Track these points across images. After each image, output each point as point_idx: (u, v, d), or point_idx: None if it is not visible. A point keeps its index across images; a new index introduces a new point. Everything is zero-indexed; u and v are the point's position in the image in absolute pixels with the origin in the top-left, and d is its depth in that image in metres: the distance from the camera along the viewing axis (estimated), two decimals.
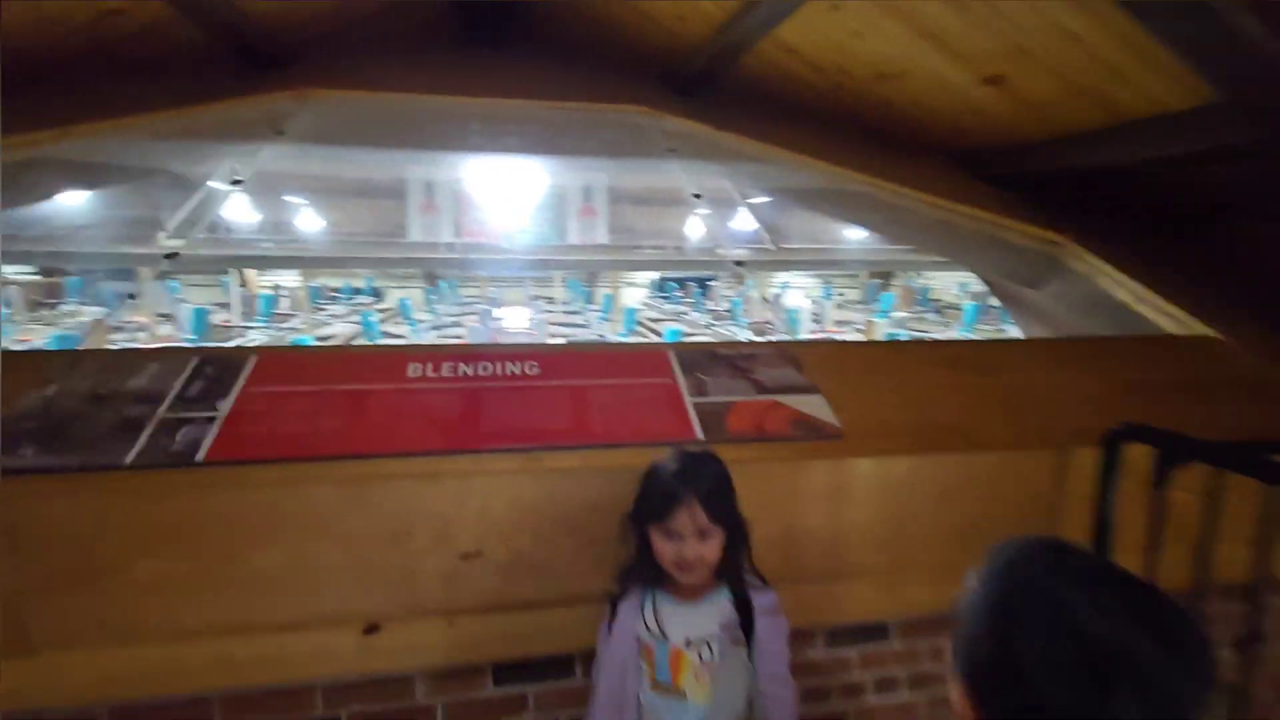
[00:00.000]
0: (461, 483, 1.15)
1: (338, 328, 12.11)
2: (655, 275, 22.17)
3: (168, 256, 3.07)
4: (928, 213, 2.82)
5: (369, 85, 3.07)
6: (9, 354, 1.32)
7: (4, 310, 9.50)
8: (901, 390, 1.49)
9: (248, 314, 11.06)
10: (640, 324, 12.18)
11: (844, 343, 5.20)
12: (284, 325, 10.74)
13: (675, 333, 6.31)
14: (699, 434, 1.28)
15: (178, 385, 1.25)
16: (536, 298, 14.79)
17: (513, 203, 14.10)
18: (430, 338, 10.30)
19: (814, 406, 1.39)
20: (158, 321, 11.33)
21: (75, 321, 7.54)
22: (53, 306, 13.74)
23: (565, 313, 14.05)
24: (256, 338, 9.57)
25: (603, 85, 3.20)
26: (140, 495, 1.05)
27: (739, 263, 3.98)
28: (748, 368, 1.49)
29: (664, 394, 1.38)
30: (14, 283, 14.13)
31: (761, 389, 1.43)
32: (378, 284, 18.72)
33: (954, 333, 10.87)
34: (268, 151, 2.67)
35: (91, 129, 2.30)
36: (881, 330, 8.35)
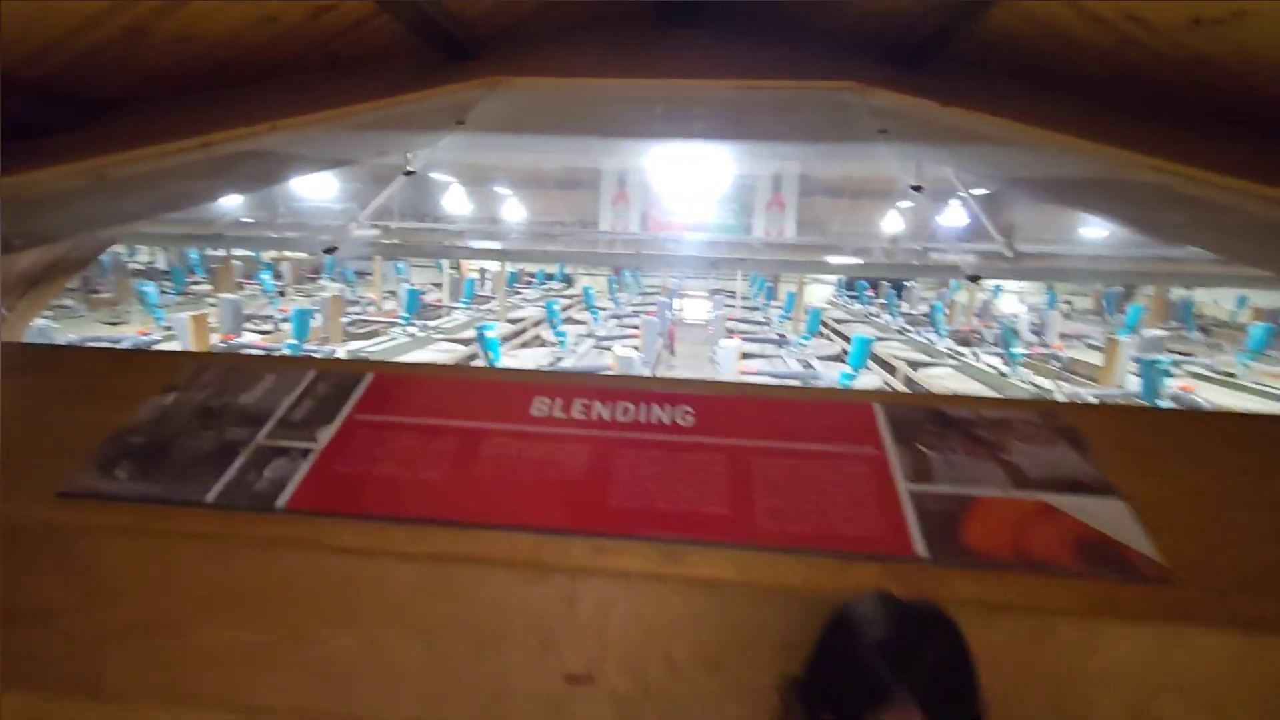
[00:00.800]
0: (574, 580, 0.85)
1: (528, 310, 12.86)
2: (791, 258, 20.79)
3: (327, 251, 3.21)
4: (1262, 212, 2.01)
5: (557, 71, 2.94)
6: (144, 353, 1.27)
7: (274, 282, 11.39)
8: (1271, 500, 0.92)
9: (455, 295, 12.11)
10: (823, 324, 11.35)
11: (1151, 409, 4.03)
12: (482, 307, 11.59)
13: (864, 341, 5.62)
14: (919, 549, 0.86)
15: (286, 404, 1.10)
16: (717, 291, 14.51)
17: (697, 193, 13.90)
18: (610, 326, 10.47)
19: (1113, 518, 0.89)
20: (384, 298, 12.87)
21: (320, 298, 8.69)
22: (314, 280, 16.33)
23: (745, 308, 13.60)
24: (459, 316, 10.41)
25: (805, 61, 2.77)
26: (215, 543, 0.89)
27: (973, 277, 3.29)
28: (995, 441, 1.02)
29: (865, 472, 0.97)
30: (287, 259, 16.99)
31: (1020, 480, 0.95)
32: (569, 270, 19.71)
33: (1231, 360, 8.62)
34: (447, 141, 2.64)
35: (297, 122, 2.43)
36: (1128, 351, 6.80)
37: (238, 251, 15.71)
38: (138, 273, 13.26)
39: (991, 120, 2.47)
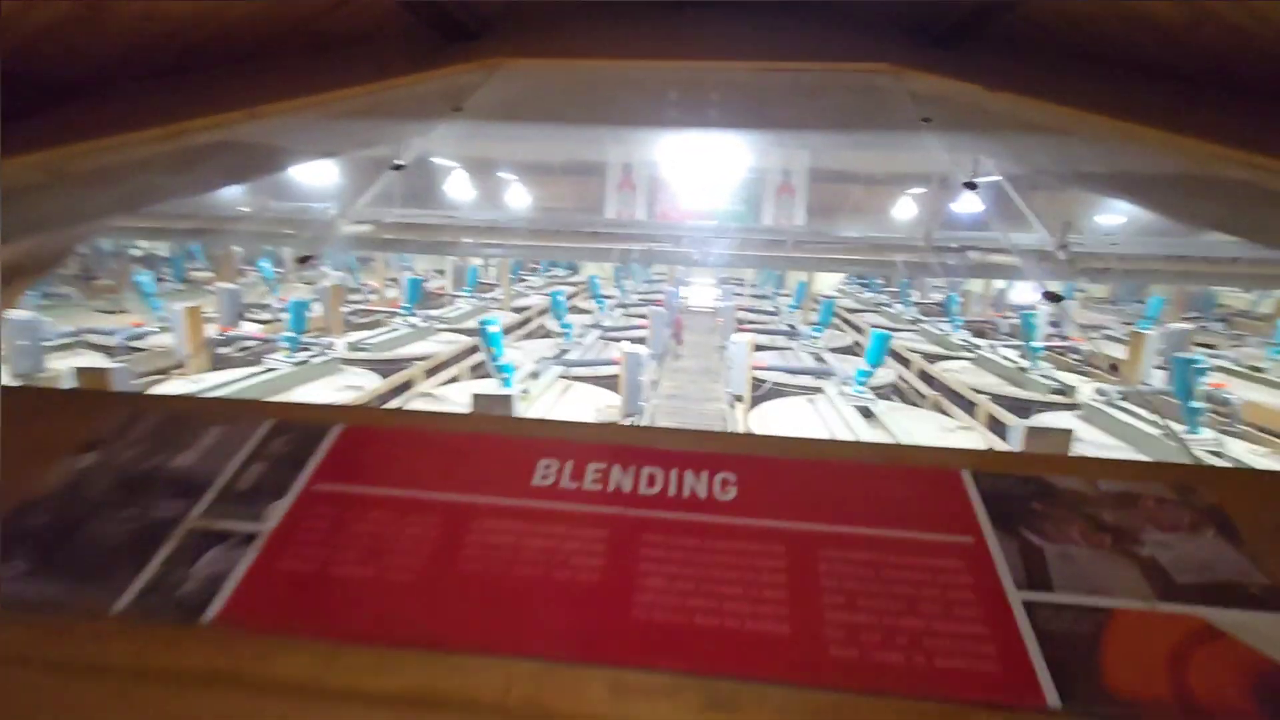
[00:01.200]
0: None
1: (533, 299, 12.64)
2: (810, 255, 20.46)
3: (300, 260, 3.00)
4: None
5: (563, 52, 2.71)
6: (67, 394, 1.05)
7: (275, 270, 11.17)
8: None
9: (458, 283, 11.90)
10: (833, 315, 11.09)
11: None
12: (486, 295, 11.37)
13: (882, 337, 5.38)
14: (1049, 695, 0.65)
15: (232, 468, 0.89)
16: (726, 280, 14.25)
17: (709, 184, 13.59)
18: (617, 316, 10.24)
19: None
20: (387, 285, 12.66)
21: (319, 287, 8.49)
22: (315, 267, 16.13)
23: (754, 296, 13.34)
24: (463, 305, 10.20)
25: (832, 41, 2.52)
26: (119, 673, 0.68)
27: (1053, 295, 3.03)
28: (1122, 525, 0.81)
29: (963, 571, 0.75)
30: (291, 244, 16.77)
31: (1165, 585, 0.74)
32: (574, 258, 19.44)
33: (1258, 353, 8.33)
34: (443, 130, 2.41)
35: (277, 109, 2.21)
36: (1153, 345, 6.54)
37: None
38: (138, 259, 13.09)
39: (1048, 107, 2.21)
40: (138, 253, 14.67)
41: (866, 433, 4.77)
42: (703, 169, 10.88)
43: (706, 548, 0.78)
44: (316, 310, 8.32)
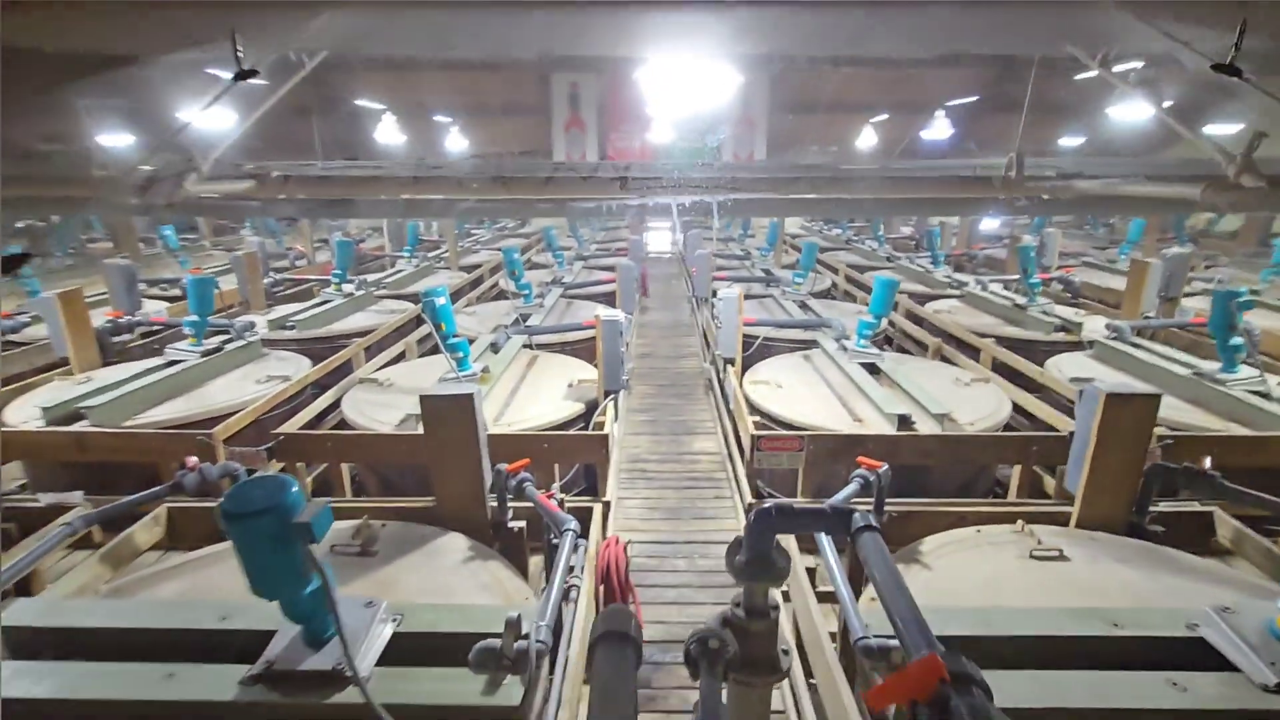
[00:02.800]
0: None
1: (482, 255, 11.63)
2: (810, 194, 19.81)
3: (6, 268, 2.15)
4: None
5: None
6: None
7: (175, 238, 9.83)
8: None
9: (398, 243, 10.77)
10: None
11: None
12: (430, 254, 10.31)
13: (887, 284, 4.79)
14: None
15: None
16: (689, 222, 13.42)
17: (662, 112, 12.57)
18: (578, 270, 9.39)
19: None
20: (316, 248, 11.41)
21: (234, 256, 7.36)
22: (235, 232, 14.56)
23: (722, 240, 12.61)
24: (405, 267, 9.18)
25: None
26: None
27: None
28: None
29: None
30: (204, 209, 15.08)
31: None
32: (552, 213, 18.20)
33: (1250, 278, 8.10)
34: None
35: None
36: (1156, 274, 6.14)
37: None
38: (19, 232, 11.41)
39: None
40: (20, 225, 12.87)
41: (878, 392, 4.21)
42: (659, 100, 9.90)
43: None
44: (231, 284, 7.24)
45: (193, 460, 2.78)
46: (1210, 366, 4.40)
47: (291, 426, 3.94)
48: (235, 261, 7.11)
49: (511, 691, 1.71)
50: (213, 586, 2.31)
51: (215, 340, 5.12)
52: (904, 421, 3.88)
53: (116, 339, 5.49)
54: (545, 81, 15.67)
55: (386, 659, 1.83)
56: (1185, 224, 11.10)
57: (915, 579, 2.42)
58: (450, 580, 2.41)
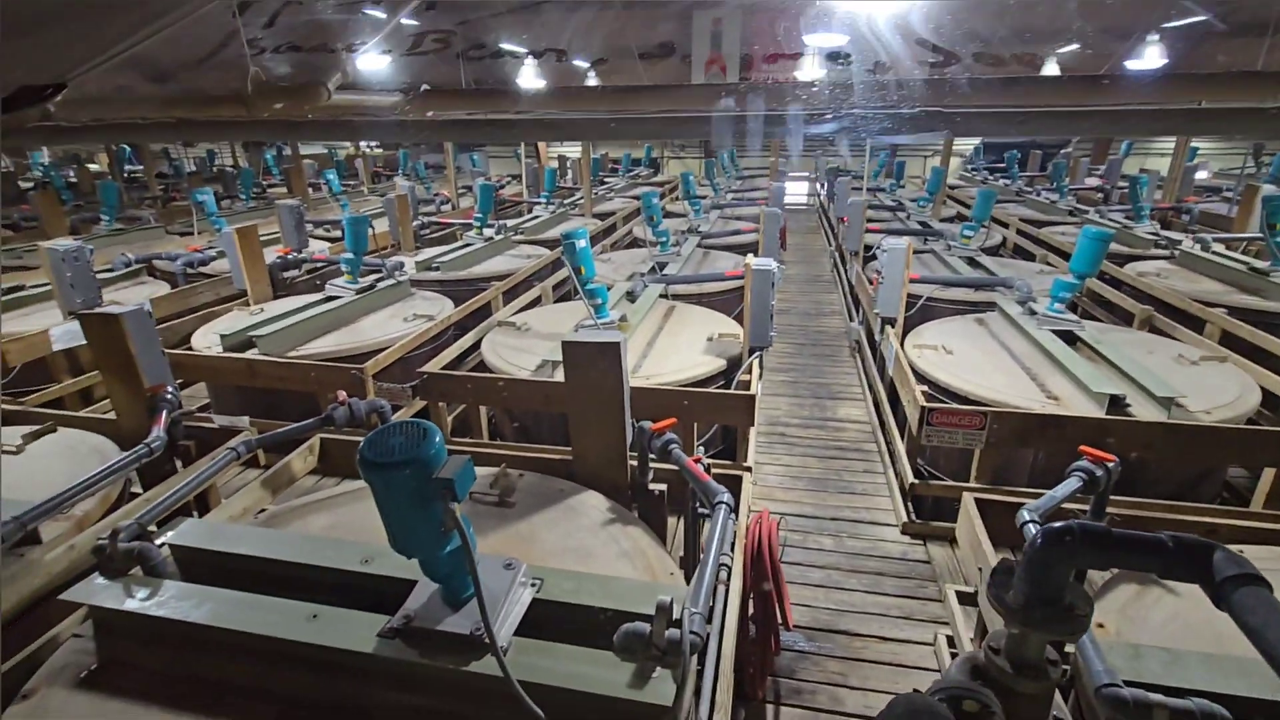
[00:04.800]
0: None
1: (616, 202, 11.45)
2: (978, 139, 17.68)
3: None
4: None
5: None
6: None
7: (339, 182, 10.45)
8: None
9: (535, 188, 10.84)
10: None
11: None
12: (565, 200, 10.27)
13: (1100, 235, 3.99)
14: None
15: None
16: (834, 169, 12.39)
17: (814, 52, 11.56)
18: (714, 220, 8.95)
19: None
20: (460, 194, 11.78)
21: (386, 199, 7.65)
22: (389, 178, 15.43)
23: (871, 190, 11.55)
24: (541, 213, 9.20)
25: None
26: None
27: None
28: None
29: None
30: (362, 154, 16.11)
31: None
32: (656, 154, 17.81)
33: None
34: None
35: None
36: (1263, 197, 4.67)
37: (309, 150, 14.86)
38: (210, 179, 12.75)
39: None
40: (213, 169, 14.39)
41: (1082, 367, 3.52)
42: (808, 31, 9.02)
43: None
44: (383, 225, 7.56)
45: (342, 395, 2.79)
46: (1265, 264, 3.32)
47: (434, 366, 3.96)
48: (387, 204, 7.39)
49: (663, 688, 1.49)
50: (360, 524, 2.28)
51: (369, 278, 5.31)
52: (1116, 403, 3.21)
53: (286, 274, 5.88)
54: (686, 19, 14.93)
55: (525, 628, 1.67)
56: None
57: (1190, 616, 1.91)
58: (589, 542, 2.23)
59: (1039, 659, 0.91)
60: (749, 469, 2.98)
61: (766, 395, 5.47)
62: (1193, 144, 11.14)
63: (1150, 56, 11.43)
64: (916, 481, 3.56)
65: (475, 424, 4.02)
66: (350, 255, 5.05)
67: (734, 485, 2.63)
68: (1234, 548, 2.15)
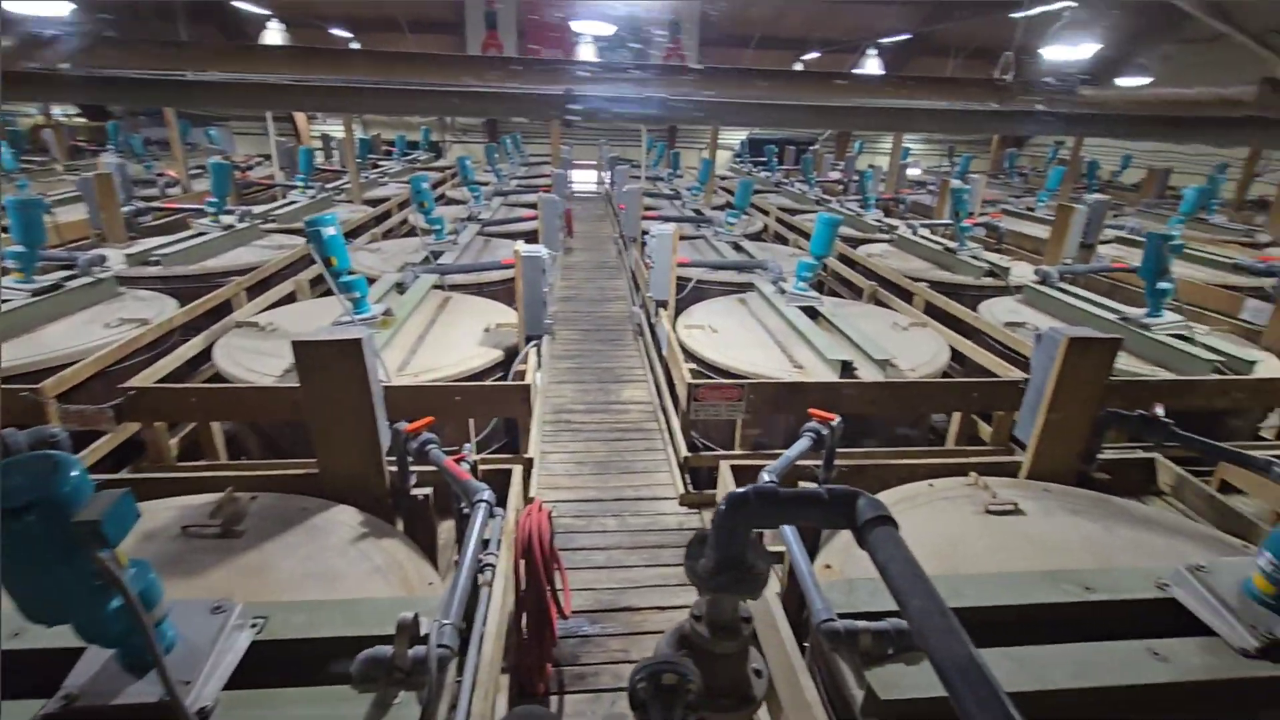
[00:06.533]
0: None
1: (390, 188, 10.62)
2: (743, 135, 19.39)
3: None
4: None
5: None
6: None
7: (11, 158, 8.29)
8: None
9: (289, 171, 9.62)
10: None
11: None
12: (329, 185, 9.27)
13: (830, 221, 4.54)
14: None
15: None
16: (616, 159, 12.75)
17: (588, 39, 11.73)
18: (496, 206, 8.69)
19: None
20: (192, 176, 10.07)
21: (82, 178, 6.23)
22: (94, 154, 12.66)
23: (650, 179, 12.06)
24: (298, 198, 8.19)
25: None
26: None
27: None
28: None
29: None
30: (55, 125, 13.03)
31: None
32: (435, 137, 16.87)
33: (1157, 225, 8.46)
34: None
35: None
36: (1079, 221, 6.20)
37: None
38: None
39: None
40: None
41: (820, 337, 3.99)
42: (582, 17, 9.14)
43: None
44: (79, 213, 6.17)
45: None
46: (1135, 312, 4.43)
47: (148, 379, 3.30)
48: (83, 185, 6.02)
49: (406, 714, 1.35)
50: None
51: (55, 276, 4.27)
52: (847, 368, 3.68)
53: None
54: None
55: (242, 678, 1.42)
56: (1095, 174, 11.50)
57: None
58: (336, 563, 1.99)
59: (733, 620, 0.96)
60: (528, 461, 2.91)
61: (552, 383, 5.45)
62: (905, 144, 13.31)
63: (870, 67, 13.39)
64: (690, 455, 3.77)
65: (208, 445, 3.43)
66: (20, 249, 4.01)
67: (506, 481, 2.53)
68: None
